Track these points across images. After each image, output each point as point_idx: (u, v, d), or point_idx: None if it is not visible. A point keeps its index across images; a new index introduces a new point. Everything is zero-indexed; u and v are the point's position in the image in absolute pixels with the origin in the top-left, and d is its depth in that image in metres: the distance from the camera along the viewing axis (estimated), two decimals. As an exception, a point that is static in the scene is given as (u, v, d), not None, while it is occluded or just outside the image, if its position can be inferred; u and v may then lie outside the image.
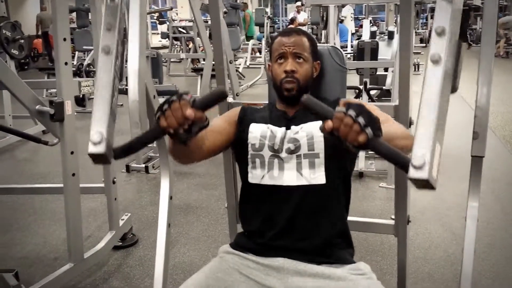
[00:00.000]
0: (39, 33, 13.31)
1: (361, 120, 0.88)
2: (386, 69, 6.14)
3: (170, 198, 1.82)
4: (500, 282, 2.22)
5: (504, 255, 2.47)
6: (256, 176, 1.35)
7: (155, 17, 11.72)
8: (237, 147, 1.42)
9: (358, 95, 4.45)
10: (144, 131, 1.02)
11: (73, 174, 2.07)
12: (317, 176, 1.30)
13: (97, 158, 0.95)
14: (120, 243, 2.62)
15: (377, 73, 4.89)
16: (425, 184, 0.77)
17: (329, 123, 0.90)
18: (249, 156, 1.37)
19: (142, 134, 1.00)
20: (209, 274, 1.27)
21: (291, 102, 1.41)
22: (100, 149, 0.93)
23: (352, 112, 0.88)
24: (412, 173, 0.77)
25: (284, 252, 1.28)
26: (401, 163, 0.84)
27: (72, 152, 2.05)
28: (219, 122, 1.43)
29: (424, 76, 0.82)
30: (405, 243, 1.65)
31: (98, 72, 1.03)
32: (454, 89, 0.86)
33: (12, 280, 1.96)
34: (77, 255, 2.18)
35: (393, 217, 1.68)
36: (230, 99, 1.71)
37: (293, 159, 1.31)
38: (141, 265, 2.44)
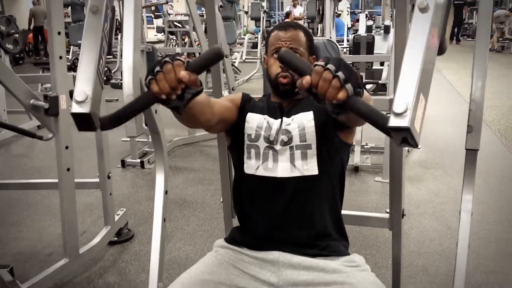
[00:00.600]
0: (31, 27, 13.25)
1: (341, 74, 0.82)
2: (382, 63, 6.13)
3: (166, 193, 1.81)
4: (494, 276, 2.23)
5: (499, 249, 2.48)
6: (251, 166, 1.35)
7: (152, 10, 11.65)
8: (234, 134, 1.42)
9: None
10: (134, 98, 0.92)
11: (68, 169, 2.07)
12: (310, 167, 1.30)
13: (81, 122, 0.86)
14: (116, 238, 2.62)
15: (373, 67, 4.89)
16: (406, 136, 0.71)
17: (307, 78, 0.84)
18: (245, 146, 1.37)
19: (131, 101, 0.90)
20: (204, 268, 1.27)
21: (285, 96, 1.41)
22: (85, 108, 0.85)
23: (331, 66, 0.83)
24: (392, 121, 0.70)
25: (279, 245, 1.28)
26: (382, 123, 0.77)
27: (67, 147, 2.04)
28: (223, 100, 1.40)
29: (411, 24, 0.77)
30: (400, 237, 1.65)
31: (85, 31, 0.95)
32: (441, 50, 0.81)
33: (7, 276, 1.95)
34: (73, 250, 2.18)
35: (388, 211, 1.68)
36: (226, 93, 1.71)
37: (286, 151, 1.31)
38: (136, 260, 2.44)
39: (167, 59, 0.89)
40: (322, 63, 0.84)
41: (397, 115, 0.70)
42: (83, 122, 0.86)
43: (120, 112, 0.89)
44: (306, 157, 1.30)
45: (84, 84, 0.89)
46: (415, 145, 0.71)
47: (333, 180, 1.36)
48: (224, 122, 1.35)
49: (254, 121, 1.37)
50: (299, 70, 0.86)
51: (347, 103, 0.82)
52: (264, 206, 1.32)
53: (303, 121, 1.32)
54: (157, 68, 0.89)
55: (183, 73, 0.88)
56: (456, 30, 15.71)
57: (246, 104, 1.43)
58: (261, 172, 1.32)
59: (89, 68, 0.91)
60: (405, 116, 0.69)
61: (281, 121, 1.35)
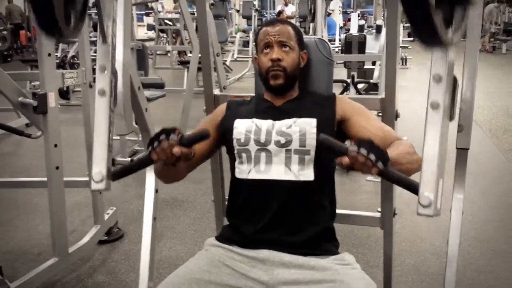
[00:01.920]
0: (7, 26, 13.17)
1: (372, 156, 0.99)
2: (373, 63, 6.15)
3: (156, 191, 1.80)
4: (485, 275, 2.24)
5: (489, 248, 2.49)
6: (242, 171, 1.34)
7: (147, 7, 11.54)
8: (225, 143, 1.43)
9: (345, 89, 4.45)
10: (138, 159, 1.16)
11: (57, 167, 2.04)
12: (306, 173, 1.29)
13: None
14: (105, 238, 2.60)
15: (365, 66, 4.90)
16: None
17: (346, 160, 1.00)
18: (235, 152, 1.36)
19: (135, 161, 1.15)
20: (194, 266, 1.26)
21: (278, 92, 1.41)
22: (101, 186, 1.11)
23: (363, 151, 0.99)
24: (421, 210, 0.95)
25: (270, 245, 1.27)
26: (411, 189, 1.02)
27: (55, 145, 2.02)
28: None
29: (425, 119, 0.91)
30: (391, 236, 1.65)
31: (96, 114, 1.12)
32: (451, 118, 0.97)
33: (-5, 275, 1.93)
34: (62, 249, 2.16)
35: (379, 210, 1.68)
36: (217, 92, 1.69)
37: (282, 153, 1.31)
38: (126, 259, 2.42)
39: (163, 137, 1.08)
40: (356, 148, 0.99)
41: (424, 206, 0.94)
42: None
43: (126, 168, 1.15)
44: (304, 163, 1.30)
45: (99, 164, 1.10)
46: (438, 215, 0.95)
47: (327, 185, 1.37)
48: (205, 158, 1.44)
49: (242, 126, 1.36)
50: (338, 152, 1.03)
51: (380, 175, 1.02)
52: (257, 209, 1.31)
53: (306, 127, 1.31)
54: (156, 144, 1.08)
55: (176, 150, 1.07)
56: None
57: (232, 112, 1.44)
58: (253, 175, 1.32)
59: (102, 148, 1.11)
60: (430, 208, 0.94)
61: (274, 120, 1.35)
